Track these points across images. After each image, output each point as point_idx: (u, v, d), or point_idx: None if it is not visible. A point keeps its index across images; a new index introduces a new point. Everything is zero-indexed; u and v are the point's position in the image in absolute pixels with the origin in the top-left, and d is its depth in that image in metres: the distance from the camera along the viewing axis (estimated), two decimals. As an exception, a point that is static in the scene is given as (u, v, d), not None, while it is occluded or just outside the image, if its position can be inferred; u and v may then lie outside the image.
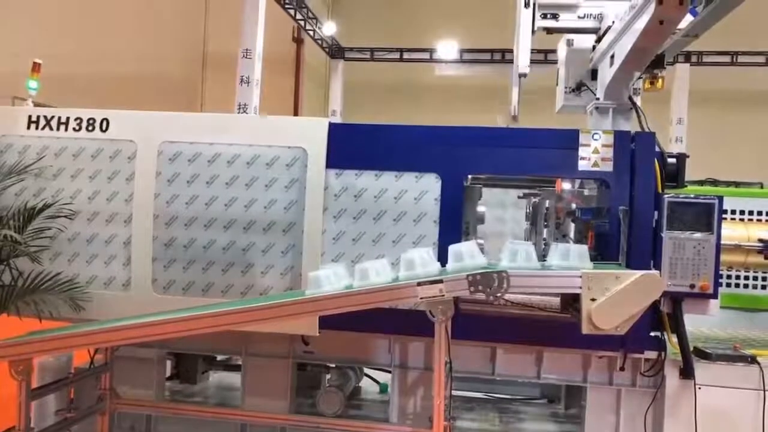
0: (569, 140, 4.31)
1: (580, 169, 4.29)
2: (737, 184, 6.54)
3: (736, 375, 4.24)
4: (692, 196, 4.24)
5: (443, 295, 3.16)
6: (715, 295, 4.16)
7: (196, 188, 4.54)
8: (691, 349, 4.27)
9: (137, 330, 3.69)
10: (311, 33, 15.67)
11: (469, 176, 4.68)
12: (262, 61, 10.34)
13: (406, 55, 16.65)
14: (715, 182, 6.40)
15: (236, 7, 10.91)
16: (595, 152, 4.28)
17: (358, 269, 3.54)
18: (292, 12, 14.33)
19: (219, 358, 5.67)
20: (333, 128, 4.47)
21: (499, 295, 3.19)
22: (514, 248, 3.49)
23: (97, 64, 15.86)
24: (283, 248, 4.44)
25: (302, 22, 15.01)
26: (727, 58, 15.01)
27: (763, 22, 14.32)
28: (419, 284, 3.18)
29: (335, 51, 17.18)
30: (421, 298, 3.19)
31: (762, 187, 6.73)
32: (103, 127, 4.66)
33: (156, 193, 4.56)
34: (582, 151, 4.29)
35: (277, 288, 4.44)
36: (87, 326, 3.86)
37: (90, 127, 4.67)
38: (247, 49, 10.10)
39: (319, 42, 16.37)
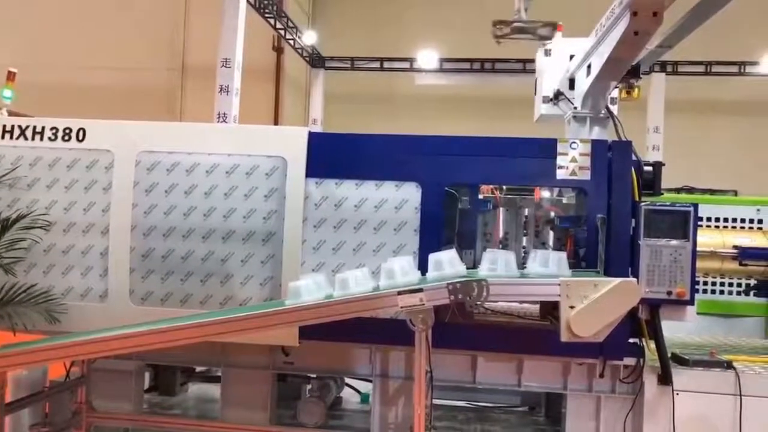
0: (547, 149, 4.35)
1: (558, 177, 4.33)
2: (713, 192, 6.68)
3: (713, 380, 4.29)
4: (668, 204, 4.30)
5: (423, 304, 3.16)
6: (691, 302, 4.22)
7: (174, 198, 4.50)
8: (669, 355, 4.31)
9: (114, 342, 3.64)
10: (291, 42, 15.66)
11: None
12: (241, 71, 10.29)
13: (386, 65, 16.68)
14: (691, 190, 6.53)
15: (215, 17, 10.88)
16: (572, 161, 4.33)
17: (338, 279, 3.54)
18: (272, 21, 14.31)
19: (198, 369, 5.61)
20: (313, 137, 4.47)
21: (479, 303, 3.20)
22: (493, 256, 3.50)
23: (75, 73, 15.74)
24: (262, 258, 4.41)
25: (282, 32, 15.00)
26: (701, 68, 15.29)
27: (736, 33, 14.63)
28: (399, 293, 3.17)
29: (316, 60, 17.18)
30: (402, 308, 3.19)
31: (736, 195, 6.87)
32: (80, 137, 4.61)
33: (134, 204, 4.52)
34: (560, 160, 4.33)
35: (257, 298, 4.41)
36: (63, 339, 3.79)
37: (66, 137, 4.62)
38: (226, 59, 10.06)
39: (300, 51, 16.36)
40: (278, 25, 14.61)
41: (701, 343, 5.25)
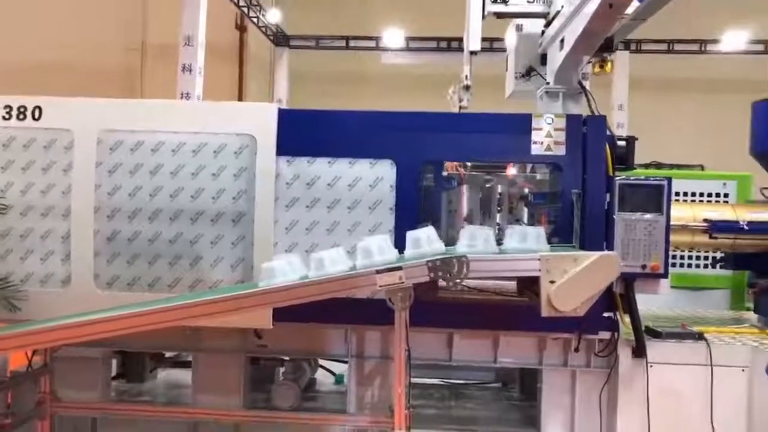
0: (522, 124, 4.30)
1: (533, 153, 4.30)
2: (679, 167, 6.74)
3: (685, 352, 4.34)
4: (642, 178, 4.30)
5: (403, 282, 3.10)
6: (665, 275, 4.24)
7: (139, 179, 4.33)
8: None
9: (78, 329, 3.49)
10: (255, 20, 15.30)
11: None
12: (204, 49, 10.00)
13: (352, 43, 16.45)
14: (659, 165, 6.57)
15: (176, -6, 10.54)
16: (547, 136, 4.29)
17: (313, 259, 3.44)
18: (234, -1, 13.95)
19: (168, 354, 5.46)
20: (283, 114, 4.34)
21: (459, 280, 3.15)
22: (472, 232, 3.45)
23: (31, 53, 15.10)
24: (233, 239, 4.29)
25: (245, 9, 14.63)
26: (664, 46, 15.48)
27: (698, 12, 14.82)
28: (378, 272, 3.10)
29: (280, 39, 16.84)
30: (381, 287, 3.12)
31: (703, 169, 6.95)
32: (36, 116, 4.38)
33: (96, 185, 4.33)
34: (535, 135, 4.30)
35: (228, 281, 4.29)
36: (23, 326, 3.62)
37: (21, 116, 4.39)
38: (188, 36, 9.76)
39: (263, 29, 16.01)
40: (241, 3, 14.24)
41: (672, 316, 5.33)
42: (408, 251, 3.43)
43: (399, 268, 3.10)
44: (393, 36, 16.38)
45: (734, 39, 15.71)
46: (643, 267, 4.19)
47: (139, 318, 3.42)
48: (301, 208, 4.28)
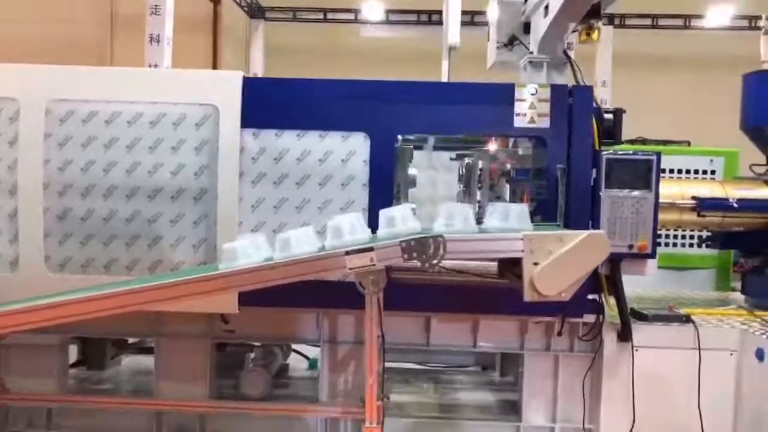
0: (505, 95, 4.05)
1: (516, 125, 4.06)
2: (666, 143, 6.53)
3: (672, 335, 4.17)
4: (631, 152, 4.09)
5: (374, 265, 2.84)
6: (653, 255, 4.06)
7: (92, 152, 4.01)
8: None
9: (25, 315, 3.21)
10: (229, -9, 14.80)
11: (400, 137, 4.37)
12: (173, 20, 9.55)
13: (329, 16, 15.98)
14: (644, 141, 6.35)
15: (145, -39, 10.04)
16: (531, 107, 4.05)
17: (279, 239, 3.17)
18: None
19: (131, 340, 5.18)
20: (248, 83, 4.03)
21: (435, 261, 2.90)
22: (450, 210, 3.20)
23: (-4, 27, 14.45)
24: (194, 218, 4.00)
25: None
26: (648, 21, 15.25)
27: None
28: (348, 253, 2.84)
29: (255, 11, 16.30)
30: (351, 269, 2.86)
31: (690, 145, 6.77)
32: (-23, 84, 4.02)
33: (45, 159, 4.00)
34: (518, 107, 4.05)
35: (190, 262, 4.01)
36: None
37: (-40, 84, 4.02)
38: (155, 5, 9.30)
39: (238, 1, 15.47)
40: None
41: (657, 297, 5.15)
42: (381, 231, 3.17)
43: (370, 249, 2.84)
44: (372, 9, 15.95)
45: (718, 15, 15.54)
46: (630, 247, 4.00)
47: (92, 303, 3.15)
48: (268, 184, 4.00)
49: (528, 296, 2.85)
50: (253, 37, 16.44)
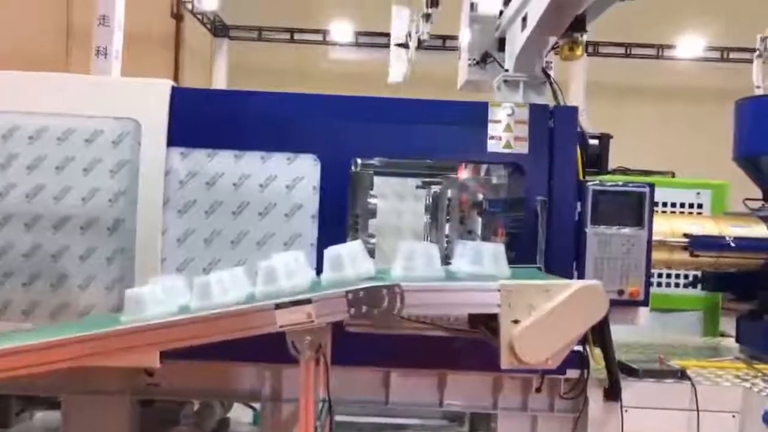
0: (477, 115, 3.53)
1: (489, 150, 3.53)
2: (648, 173, 6.10)
3: (666, 394, 3.64)
4: (620, 184, 3.59)
5: (313, 321, 2.23)
6: (645, 302, 3.54)
7: (-17, 173, 3.36)
8: (615, 364, 3.62)
9: None
10: (190, 6, 14.20)
11: (359, 161, 3.82)
12: (123, 31, 8.94)
13: (297, 36, 15.51)
14: (625, 171, 5.89)
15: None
16: (507, 130, 3.53)
17: (197, 285, 2.56)
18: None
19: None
20: (177, 94, 3.45)
21: (390, 316, 2.31)
22: (410, 250, 2.61)
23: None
24: (108, 254, 3.38)
25: (180, -5, 13.52)
26: (621, 50, 15.13)
27: (654, 15, 14.52)
28: (278, 307, 2.23)
29: (219, 29, 15.75)
30: (282, 327, 2.24)
31: (673, 177, 6.36)
32: None
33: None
34: (492, 129, 3.53)
35: (101, 307, 3.37)
36: None
37: None
38: (103, 16, 8.69)
39: (200, 18, 14.90)
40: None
41: (643, 344, 4.64)
42: (325, 275, 2.57)
43: (307, 302, 2.23)
44: (341, 30, 15.51)
45: (690, 45, 15.54)
46: (620, 293, 3.49)
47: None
48: (198, 213, 3.41)
49: (506, 363, 2.27)
50: (216, 55, 15.86)
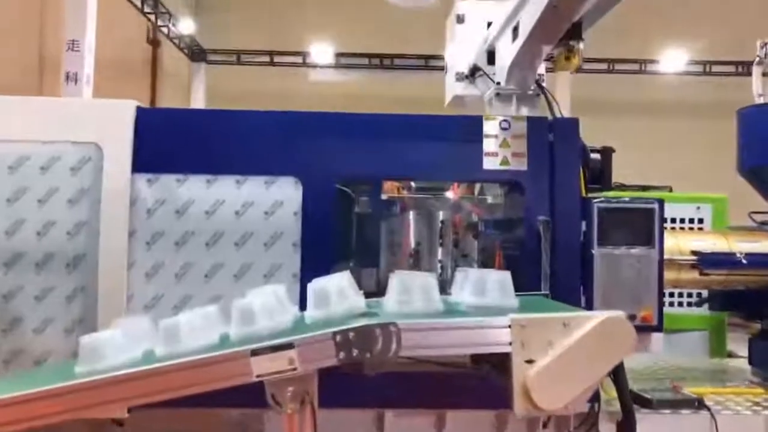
0: (470, 130, 3.26)
1: (485, 167, 3.26)
2: (645, 188, 5.87)
3: (684, 426, 3.36)
4: (626, 200, 3.32)
5: (296, 369, 1.92)
6: (659, 327, 3.26)
7: (-73, 205, 3.02)
8: (628, 395, 3.32)
9: None
10: (167, 31, 13.92)
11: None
12: (93, 55, 8.65)
13: (277, 59, 15.27)
14: (622, 186, 5.65)
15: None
16: (504, 145, 3.26)
17: (163, 328, 2.23)
18: (137, 2, 12.48)
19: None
20: (142, 115, 3.14)
21: (385, 359, 2.00)
22: (405, 283, 2.31)
23: None
24: (67, 293, 3.04)
25: (152, 17, 13.22)
26: (604, 65, 15.08)
27: (636, 30, 14.54)
28: (254, 353, 1.91)
29: (196, 53, 15.48)
30: (259, 377, 1.93)
31: (671, 191, 6.14)
32: None
33: None
34: (487, 145, 3.26)
35: (61, 352, 3.02)
36: None
37: None
38: (73, 40, 8.39)
39: (177, 42, 14.63)
40: (148, 11, 12.87)
41: (652, 369, 4.37)
42: (309, 313, 2.27)
43: (289, 346, 1.92)
44: (321, 52, 15.32)
45: (673, 60, 15.57)
46: (632, 318, 3.18)
47: None
48: (167, 245, 3.08)
49: (521, 410, 1.97)
50: (194, 80, 15.57)
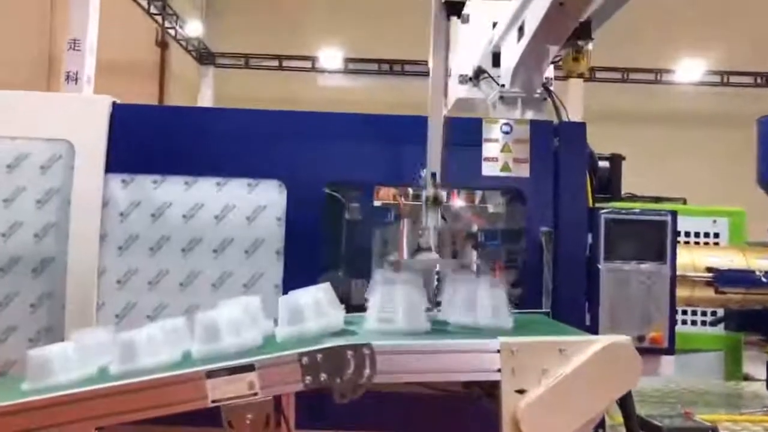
0: (469, 133, 3.04)
1: (484, 174, 3.04)
2: (658, 200, 5.61)
3: (696, 457, 3.07)
4: (637, 211, 3.08)
5: (256, 394, 1.70)
6: (670, 350, 3.01)
7: None
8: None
9: None
10: (175, 35, 13.84)
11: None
12: (95, 56, 8.54)
13: (285, 63, 15.13)
14: (633, 197, 5.40)
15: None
16: (505, 150, 3.04)
17: (120, 343, 2.02)
18: (144, 4, 12.39)
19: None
20: (118, 111, 2.96)
21: (359, 384, 1.78)
22: (387, 296, 2.09)
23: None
24: (33, 299, 2.86)
25: (160, 19, 13.13)
26: (618, 75, 14.80)
27: (651, 40, 14.27)
28: (209, 375, 1.69)
29: (204, 56, 15.37)
30: (215, 402, 1.71)
31: (685, 203, 5.88)
32: None
33: None
34: (487, 149, 3.04)
35: (23, 363, 2.76)
36: None
37: None
38: (74, 40, 8.27)
39: (184, 45, 14.53)
40: (156, 12, 12.78)
41: (663, 392, 4.12)
42: (281, 329, 2.04)
43: (250, 368, 1.70)
44: (330, 56, 15.16)
45: (689, 70, 15.28)
46: (641, 339, 2.96)
47: None
48: (142, 251, 2.90)
49: (510, 445, 1.73)
50: (202, 83, 15.47)
